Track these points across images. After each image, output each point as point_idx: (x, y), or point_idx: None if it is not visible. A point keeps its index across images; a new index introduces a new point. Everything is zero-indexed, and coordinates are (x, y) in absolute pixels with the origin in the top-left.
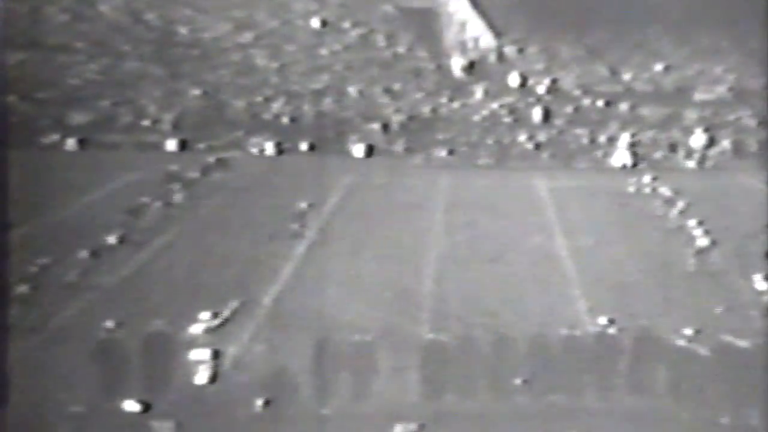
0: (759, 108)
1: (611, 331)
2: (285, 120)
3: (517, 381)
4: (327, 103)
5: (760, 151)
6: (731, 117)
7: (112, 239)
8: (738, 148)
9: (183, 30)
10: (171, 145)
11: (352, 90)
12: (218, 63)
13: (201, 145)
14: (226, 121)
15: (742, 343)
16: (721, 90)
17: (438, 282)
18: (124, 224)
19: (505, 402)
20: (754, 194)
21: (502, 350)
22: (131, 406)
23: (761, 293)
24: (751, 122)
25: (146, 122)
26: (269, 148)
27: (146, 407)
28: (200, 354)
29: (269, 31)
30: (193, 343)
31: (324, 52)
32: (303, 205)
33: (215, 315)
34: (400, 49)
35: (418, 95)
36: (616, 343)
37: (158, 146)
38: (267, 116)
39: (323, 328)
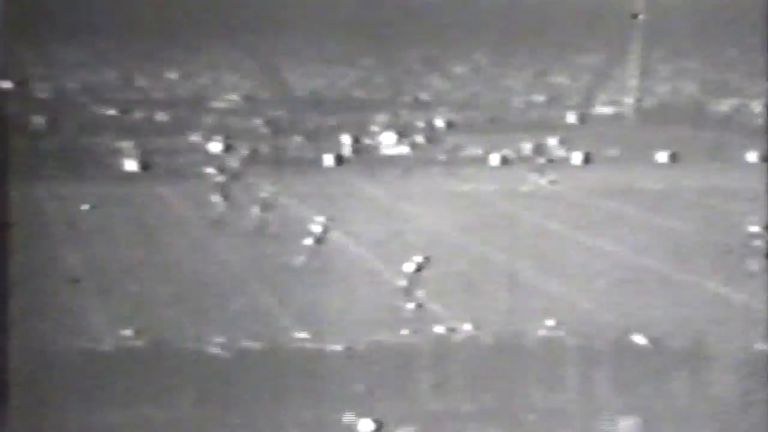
0: (271, 116)
1: (138, 343)
2: None
3: None
4: None
5: (275, 155)
6: (246, 124)
7: None
8: (254, 155)
9: None
10: None
11: None
12: None
13: None
14: None
15: (256, 345)
16: (235, 98)
17: None
18: None
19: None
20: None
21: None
22: None
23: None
24: (265, 130)
25: None
26: None
27: None
28: None
29: None
30: None
31: None
32: None
33: None
34: None
35: None
36: (137, 354)
37: None
38: None
39: None
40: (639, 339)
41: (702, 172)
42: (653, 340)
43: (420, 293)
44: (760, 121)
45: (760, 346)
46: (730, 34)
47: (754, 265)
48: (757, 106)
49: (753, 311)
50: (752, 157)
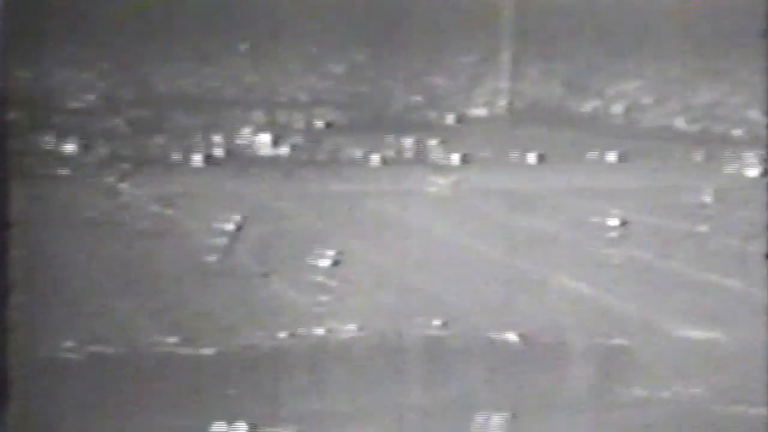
0: (132, 115)
1: None
2: None
3: None
4: None
5: (136, 155)
6: (105, 125)
7: None
8: (114, 154)
9: None
10: None
11: None
12: None
13: None
14: None
15: (110, 350)
16: (91, 98)
17: None
18: None
19: None
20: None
21: None
22: None
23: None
24: (126, 129)
25: None
26: None
27: None
28: None
29: None
30: None
31: None
32: None
33: None
34: None
35: None
36: None
37: None
38: None
39: None
40: (510, 336)
41: (567, 173)
42: (522, 338)
43: (300, 294)
44: (618, 122)
45: (617, 341)
46: (597, 36)
47: (612, 259)
48: (617, 108)
49: (610, 306)
50: (612, 157)
